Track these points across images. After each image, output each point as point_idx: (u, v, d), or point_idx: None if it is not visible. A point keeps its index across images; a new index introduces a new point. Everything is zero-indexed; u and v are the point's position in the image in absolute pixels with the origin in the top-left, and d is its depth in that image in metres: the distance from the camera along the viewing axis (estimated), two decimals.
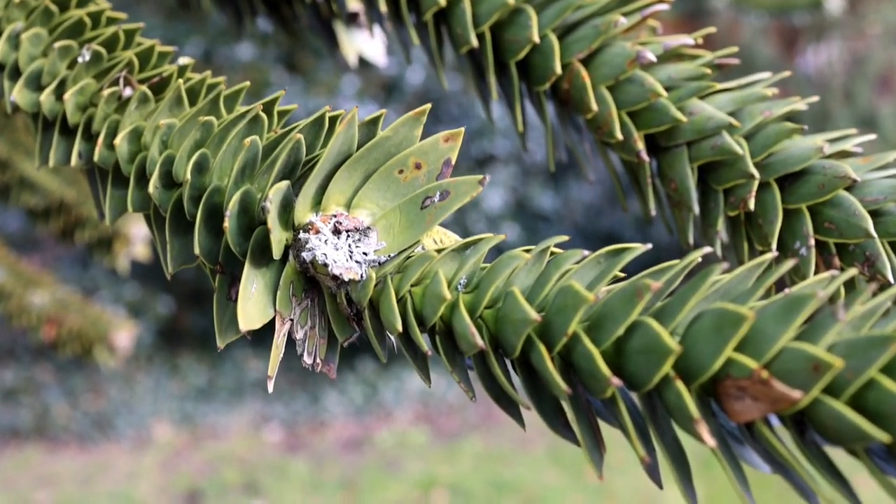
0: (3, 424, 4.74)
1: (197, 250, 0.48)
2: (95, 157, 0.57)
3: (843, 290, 0.53)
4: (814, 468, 0.37)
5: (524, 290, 0.44)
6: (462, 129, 0.48)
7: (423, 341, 0.45)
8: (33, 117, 0.63)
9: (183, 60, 0.61)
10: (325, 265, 0.46)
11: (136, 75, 0.61)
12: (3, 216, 4.43)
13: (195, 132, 0.53)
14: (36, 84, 0.62)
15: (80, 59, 0.61)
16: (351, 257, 0.47)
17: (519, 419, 0.45)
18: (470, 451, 4.48)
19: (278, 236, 0.46)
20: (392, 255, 0.48)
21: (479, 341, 0.41)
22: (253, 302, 0.46)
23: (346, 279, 0.46)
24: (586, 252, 0.44)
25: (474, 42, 0.65)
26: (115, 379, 5.05)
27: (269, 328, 0.48)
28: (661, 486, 0.40)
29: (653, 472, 0.40)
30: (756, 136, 0.60)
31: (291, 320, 0.48)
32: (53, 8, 0.64)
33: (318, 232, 0.47)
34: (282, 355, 0.47)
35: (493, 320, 0.44)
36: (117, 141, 0.55)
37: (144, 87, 0.59)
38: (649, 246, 0.43)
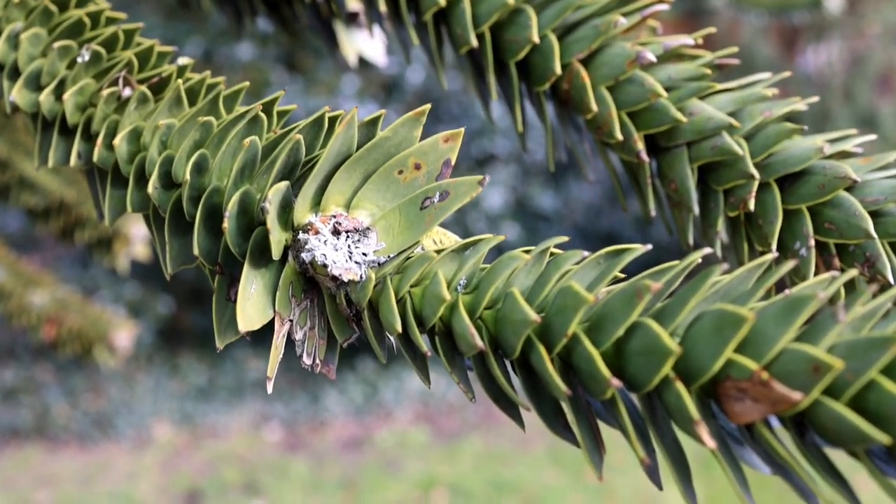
0: (3, 424, 4.74)
1: (196, 251, 0.48)
2: (95, 158, 0.57)
3: (843, 291, 0.53)
4: (814, 469, 0.37)
5: (524, 290, 0.44)
6: (461, 130, 0.48)
7: (423, 342, 0.45)
8: (32, 117, 0.63)
9: (182, 60, 0.61)
10: (325, 266, 0.46)
11: (135, 75, 0.61)
12: (3, 216, 4.43)
13: (194, 132, 0.52)
14: (35, 84, 0.62)
15: (79, 59, 0.61)
16: (350, 258, 0.47)
17: (518, 420, 0.45)
18: (470, 451, 4.49)
19: (277, 237, 0.46)
20: (391, 255, 0.48)
21: (479, 342, 0.41)
22: (252, 303, 0.46)
23: (346, 280, 0.46)
24: (586, 253, 0.44)
25: (474, 42, 0.65)
26: (116, 379, 5.05)
27: (268, 328, 0.48)
28: (660, 488, 0.40)
29: (653, 474, 0.40)
30: (756, 136, 0.60)
31: (291, 321, 0.48)
32: (53, 8, 0.64)
33: (317, 232, 0.46)
34: (281, 356, 0.47)
35: (492, 321, 0.44)
36: (116, 141, 0.55)
37: (144, 88, 0.59)
38: (649, 246, 0.43)
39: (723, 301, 0.40)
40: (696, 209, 0.61)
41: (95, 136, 0.59)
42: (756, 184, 0.58)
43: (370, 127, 0.49)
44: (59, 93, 0.61)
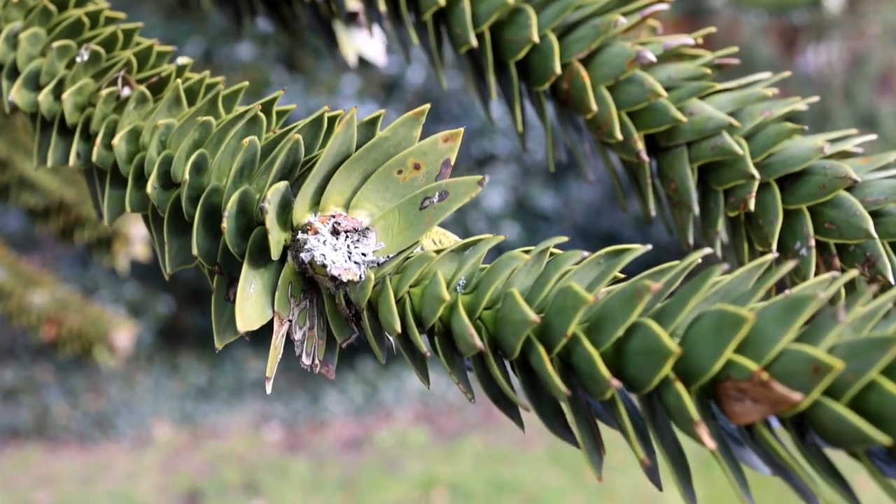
0: (3, 424, 4.74)
1: (195, 251, 0.47)
2: (94, 158, 0.57)
3: (843, 292, 0.53)
4: (814, 470, 0.37)
5: (523, 291, 0.44)
6: (461, 130, 0.48)
7: (422, 342, 0.45)
8: (31, 117, 0.62)
9: (181, 60, 0.61)
10: (324, 266, 0.46)
11: (134, 75, 0.61)
12: (3, 217, 4.43)
13: (193, 132, 0.52)
14: (34, 84, 0.62)
15: (78, 59, 0.60)
16: (349, 258, 0.47)
17: (518, 420, 0.45)
18: (470, 451, 4.48)
19: (277, 237, 0.46)
20: (391, 255, 0.48)
21: (478, 342, 0.41)
22: (251, 303, 0.46)
23: (345, 280, 0.46)
24: (586, 253, 0.44)
25: (474, 42, 0.65)
26: (115, 378, 5.05)
27: (268, 328, 0.48)
28: (660, 488, 0.40)
29: (652, 475, 0.40)
30: (756, 136, 0.60)
31: (290, 321, 0.48)
32: (52, 7, 0.64)
33: (316, 232, 0.46)
34: (280, 356, 0.47)
35: (492, 321, 0.44)
36: (115, 141, 0.55)
37: (143, 87, 0.58)
38: (649, 247, 0.43)
39: (723, 301, 0.40)
40: (696, 209, 0.61)
41: (94, 135, 0.59)
42: (756, 184, 0.58)
43: (369, 127, 0.49)
44: (57, 92, 0.61)
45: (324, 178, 0.47)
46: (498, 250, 0.47)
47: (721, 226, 0.61)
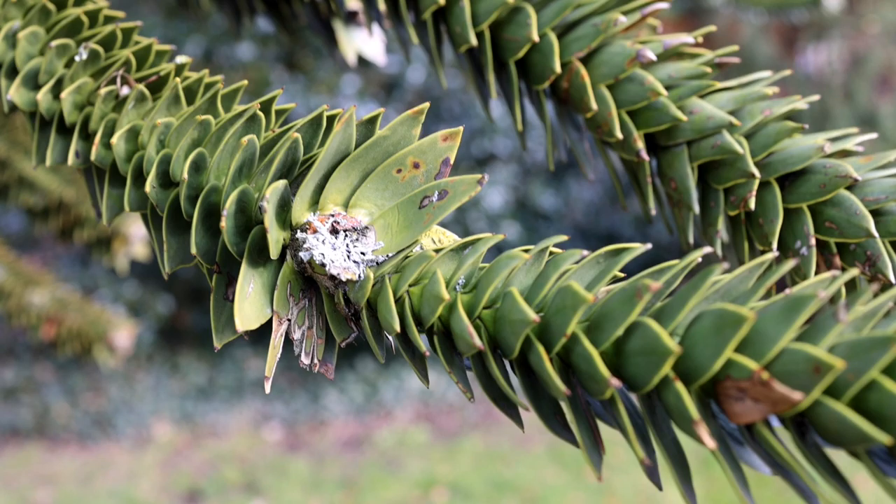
0: (3, 423, 4.74)
1: (194, 250, 0.47)
2: (92, 157, 0.57)
3: (844, 291, 0.53)
4: (815, 470, 0.37)
5: (523, 290, 0.44)
6: (460, 129, 0.48)
7: (421, 342, 0.45)
8: (30, 116, 0.62)
9: (180, 59, 0.61)
10: (323, 265, 0.46)
11: (133, 74, 0.61)
12: (3, 217, 4.42)
13: (192, 131, 0.52)
14: (33, 83, 0.62)
15: (77, 58, 0.60)
16: (349, 257, 0.46)
17: (518, 420, 0.45)
18: (470, 450, 4.48)
19: (276, 236, 0.46)
20: (390, 254, 0.48)
21: (478, 342, 0.41)
22: (250, 302, 0.46)
23: (344, 279, 0.46)
24: (585, 252, 0.44)
25: (473, 41, 0.65)
26: (116, 378, 5.05)
27: (268, 328, 0.48)
28: (660, 488, 0.40)
29: (652, 474, 0.40)
30: (756, 135, 0.60)
31: (289, 320, 0.48)
32: (51, 6, 0.64)
33: (315, 231, 0.46)
34: (279, 355, 0.47)
35: (491, 321, 0.44)
36: (114, 140, 0.55)
37: (142, 86, 0.58)
38: (649, 246, 0.42)
39: (723, 300, 0.40)
40: (697, 208, 0.61)
41: (93, 134, 0.58)
42: (756, 182, 0.58)
43: (369, 125, 0.49)
44: (56, 91, 0.61)
45: (323, 177, 0.47)
46: (497, 249, 0.47)
47: (721, 225, 0.61)
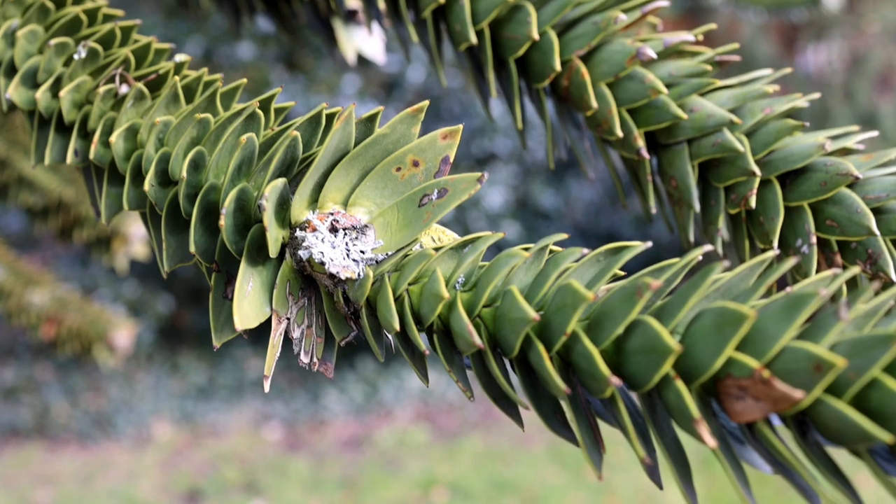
0: (3, 423, 4.74)
1: (193, 248, 0.47)
2: (91, 155, 0.57)
3: (845, 289, 0.53)
4: (816, 469, 0.37)
5: (523, 288, 0.44)
6: (460, 127, 0.48)
7: (421, 340, 0.45)
8: (29, 115, 0.62)
9: (179, 57, 0.61)
10: (322, 263, 0.46)
11: (132, 72, 0.61)
12: (4, 217, 4.42)
13: (191, 129, 0.52)
14: (32, 81, 0.62)
15: (76, 56, 0.60)
16: (348, 255, 0.46)
17: (517, 419, 0.45)
18: (470, 450, 4.48)
19: (275, 234, 0.46)
20: (389, 253, 0.48)
21: (477, 340, 0.41)
22: (249, 300, 0.46)
23: (343, 277, 0.46)
24: (585, 250, 0.44)
25: (473, 39, 0.64)
26: (116, 377, 5.05)
27: (268, 327, 0.47)
28: (661, 487, 0.40)
29: (653, 473, 0.40)
30: (757, 133, 0.59)
31: (288, 319, 0.47)
32: (49, 5, 0.63)
33: (314, 230, 0.46)
34: (278, 354, 0.47)
35: (491, 319, 0.44)
36: (113, 138, 0.55)
37: (141, 85, 0.58)
38: (649, 244, 0.42)
39: (724, 299, 0.40)
40: (697, 206, 0.61)
41: (92, 133, 0.58)
42: (757, 181, 0.58)
43: (368, 124, 0.49)
44: (55, 90, 0.60)
45: (322, 175, 0.47)
46: (497, 248, 0.47)
47: (722, 223, 0.61)
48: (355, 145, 0.47)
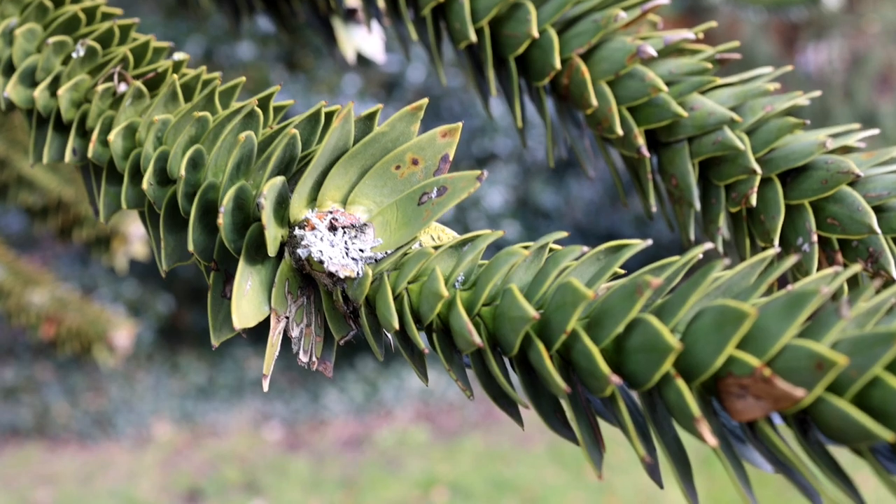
0: (3, 423, 4.74)
1: (191, 247, 0.47)
2: (89, 154, 0.56)
3: (846, 287, 0.53)
4: (817, 468, 0.37)
5: (522, 287, 0.44)
6: (459, 124, 0.47)
7: (421, 339, 0.45)
8: (28, 114, 0.62)
9: (178, 56, 0.61)
10: (321, 262, 0.45)
11: (130, 71, 0.60)
12: (4, 217, 4.42)
13: (190, 128, 0.52)
14: (30, 80, 0.61)
15: (74, 55, 0.60)
16: (347, 254, 0.46)
17: (517, 418, 0.45)
18: (470, 450, 4.48)
19: (273, 233, 0.46)
20: (389, 251, 0.48)
21: (477, 339, 0.41)
22: (247, 299, 0.45)
23: (343, 276, 0.46)
24: (585, 248, 0.44)
25: (473, 37, 0.64)
26: (116, 377, 5.05)
27: (268, 326, 0.47)
28: (661, 486, 0.40)
29: (653, 472, 0.39)
30: (758, 131, 0.59)
31: (287, 318, 0.47)
32: (48, 3, 0.63)
33: (313, 228, 0.46)
34: (277, 353, 0.47)
35: (490, 318, 0.44)
36: (111, 137, 0.54)
37: (139, 83, 0.58)
38: (649, 242, 0.42)
39: (724, 297, 0.40)
40: (698, 205, 0.61)
41: (90, 131, 0.58)
42: (758, 179, 0.58)
43: (367, 122, 0.49)
44: (53, 89, 0.60)
45: (321, 174, 0.47)
46: (497, 247, 0.47)
47: (722, 221, 0.60)
48: (354, 143, 0.47)
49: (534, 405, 0.43)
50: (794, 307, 0.35)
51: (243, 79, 0.57)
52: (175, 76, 0.57)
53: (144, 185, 0.50)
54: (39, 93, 0.59)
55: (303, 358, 0.47)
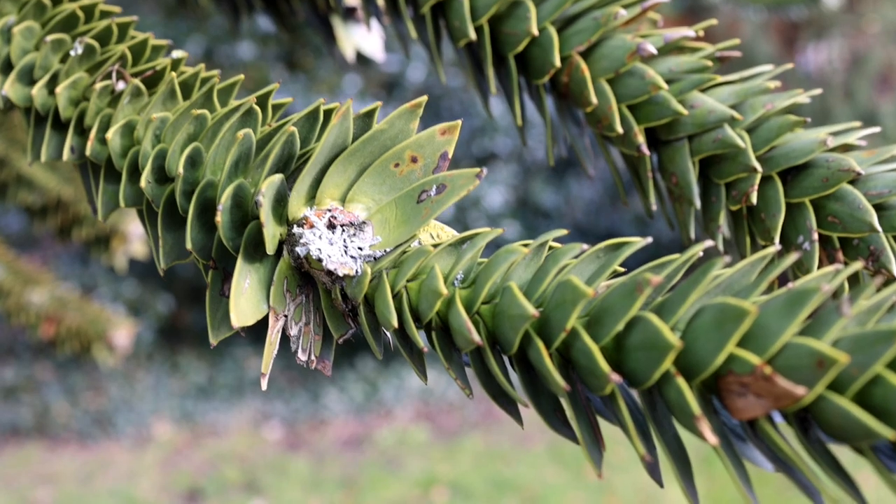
0: (3, 422, 4.74)
1: (189, 245, 0.47)
2: (88, 152, 0.56)
3: (847, 285, 0.53)
4: (818, 466, 0.37)
5: (522, 284, 0.44)
6: (459, 122, 0.47)
7: (420, 337, 0.44)
8: (26, 112, 0.62)
9: (176, 54, 0.61)
10: (320, 260, 0.45)
11: (129, 69, 0.60)
12: (3, 216, 4.42)
13: (188, 126, 0.52)
14: (28, 78, 0.61)
15: (72, 53, 0.60)
16: (346, 252, 0.46)
17: (517, 417, 0.45)
18: (470, 449, 4.48)
19: (272, 231, 0.45)
20: (388, 249, 0.47)
21: (476, 337, 0.41)
22: (246, 298, 0.45)
23: (341, 274, 0.45)
24: (585, 246, 0.44)
25: (472, 35, 0.64)
26: (116, 377, 5.05)
27: (266, 325, 0.47)
28: (661, 485, 0.40)
29: (653, 471, 0.39)
30: (758, 129, 0.59)
31: (285, 316, 0.47)
32: (46, 1, 0.63)
33: (312, 226, 0.46)
34: (276, 352, 0.46)
35: (490, 316, 0.43)
36: (109, 135, 0.54)
37: (137, 81, 0.58)
38: (649, 240, 0.42)
39: (724, 295, 0.39)
40: (698, 203, 0.61)
41: (88, 130, 0.58)
42: (758, 177, 0.58)
43: (366, 119, 0.49)
44: (52, 87, 0.60)
45: (319, 172, 0.47)
46: (496, 246, 0.47)
47: (723, 220, 0.60)
48: (353, 141, 0.47)
49: (533, 404, 0.43)
50: (795, 305, 0.35)
51: (241, 76, 0.57)
52: (173, 74, 0.56)
53: (143, 182, 0.50)
54: (37, 91, 0.59)
55: (301, 356, 0.47)
